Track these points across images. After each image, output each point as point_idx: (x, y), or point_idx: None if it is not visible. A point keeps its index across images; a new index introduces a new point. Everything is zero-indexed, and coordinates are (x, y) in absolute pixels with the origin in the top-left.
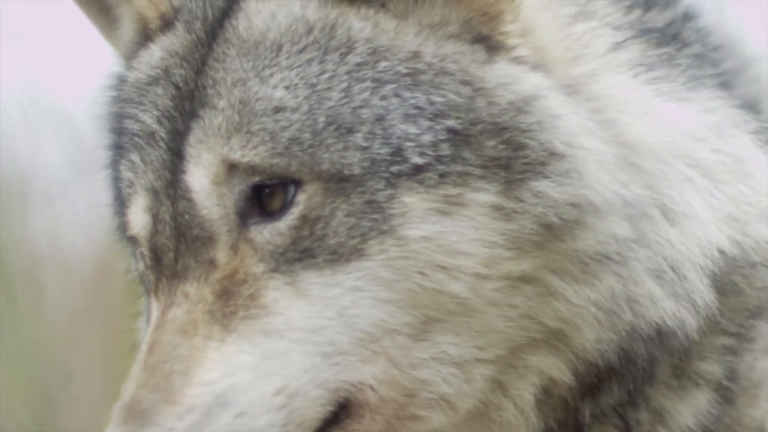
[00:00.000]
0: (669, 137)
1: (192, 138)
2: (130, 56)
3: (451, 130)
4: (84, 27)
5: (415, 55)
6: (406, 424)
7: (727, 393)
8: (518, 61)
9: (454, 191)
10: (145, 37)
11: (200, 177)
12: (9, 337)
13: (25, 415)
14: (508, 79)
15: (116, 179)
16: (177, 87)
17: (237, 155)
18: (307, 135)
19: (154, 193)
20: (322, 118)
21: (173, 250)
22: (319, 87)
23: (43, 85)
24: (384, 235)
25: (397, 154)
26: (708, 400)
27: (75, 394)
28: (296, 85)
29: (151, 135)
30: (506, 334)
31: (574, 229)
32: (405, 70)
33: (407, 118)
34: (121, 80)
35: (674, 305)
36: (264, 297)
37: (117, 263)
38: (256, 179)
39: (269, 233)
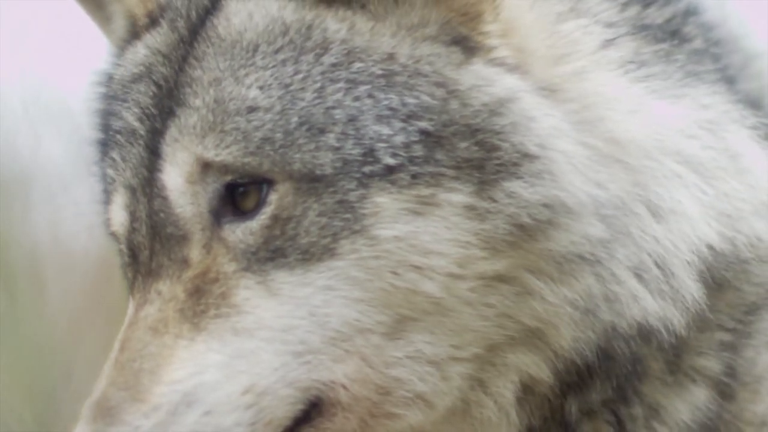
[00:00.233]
0: (658, 134)
1: (168, 136)
2: (119, 53)
3: (423, 132)
4: (86, 23)
5: (390, 57)
6: (383, 422)
7: (725, 389)
8: (495, 62)
9: (426, 191)
10: (134, 34)
11: (175, 175)
12: (10, 333)
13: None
14: (482, 81)
15: (101, 176)
16: (158, 85)
17: (211, 154)
18: (279, 135)
19: (132, 191)
20: (295, 119)
21: (148, 248)
22: (292, 87)
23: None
24: (356, 235)
25: (369, 154)
26: (706, 396)
27: (76, 392)
28: (270, 85)
29: (132, 133)
30: (483, 333)
31: (547, 230)
32: (379, 72)
33: (380, 119)
34: (110, 77)
35: (658, 303)
36: (235, 296)
37: (118, 260)
38: (229, 178)
39: (242, 232)
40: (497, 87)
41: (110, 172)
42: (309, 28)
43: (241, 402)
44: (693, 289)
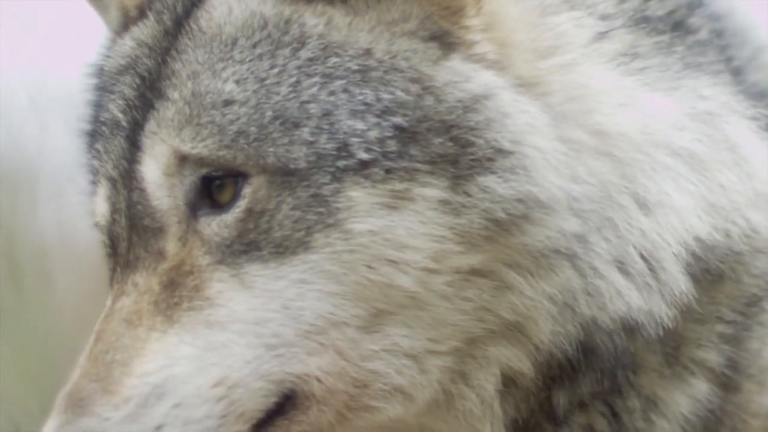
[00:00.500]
0: (648, 127)
1: (147, 129)
2: (110, 45)
3: (397, 127)
4: (91, 14)
5: (367, 52)
6: (361, 414)
7: (728, 381)
8: (474, 58)
9: (400, 186)
10: (125, 26)
11: (152, 168)
12: (17, 326)
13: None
14: (458, 77)
15: (88, 167)
16: (142, 77)
17: (187, 147)
18: (253, 129)
19: (114, 183)
20: (269, 113)
21: (127, 239)
22: (268, 81)
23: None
24: (329, 229)
25: (344, 149)
26: (706, 389)
27: None
28: (246, 79)
29: (116, 124)
30: (462, 327)
31: (522, 224)
32: (355, 67)
33: (355, 113)
34: (100, 69)
35: (643, 297)
36: (208, 289)
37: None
38: (204, 171)
39: (217, 225)
40: (473, 83)
41: (95, 163)
42: (287, 22)
43: (212, 394)
44: (681, 282)
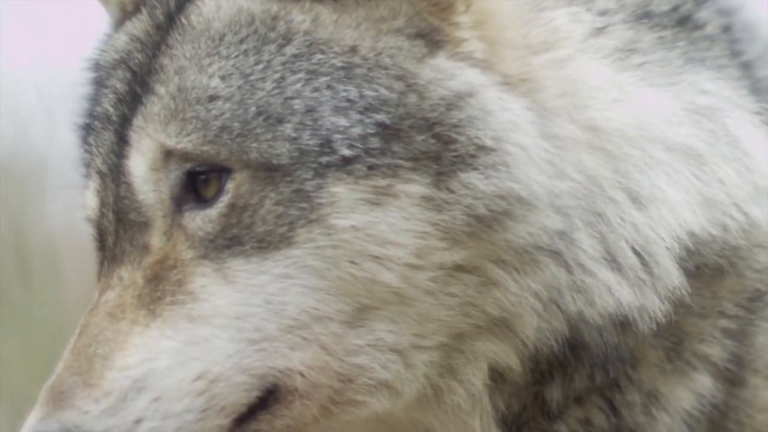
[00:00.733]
0: (642, 122)
1: (135, 123)
2: (106, 39)
3: (380, 124)
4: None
5: (352, 49)
6: (346, 409)
7: (732, 376)
8: (459, 56)
9: (383, 182)
10: (121, 20)
11: (139, 162)
12: (26, 320)
13: None
14: (442, 75)
15: (81, 161)
16: (133, 71)
17: (172, 142)
18: (236, 124)
19: (102, 177)
20: (253, 108)
21: (114, 233)
22: (252, 77)
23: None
24: (312, 224)
25: (326, 145)
26: (710, 384)
27: None
28: (231, 74)
29: (107, 118)
30: (447, 322)
31: (504, 221)
32: (340, 64)
33: (338, 110)
34: (96, 63)
35: (635, 292)
36: (191, 283)
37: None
38: (189, 166)
39: (201, 220)
40: (456, 81)
41: (86, 157)
42: (274, 18)
43: (193, 388)
44: (674, 276)
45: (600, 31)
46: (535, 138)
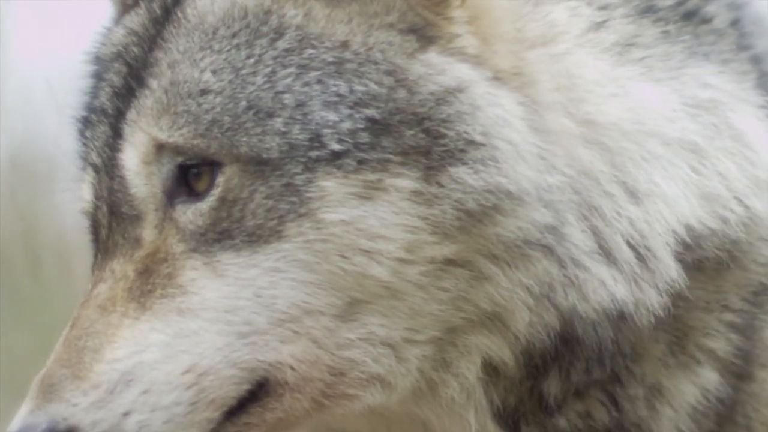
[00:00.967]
0: (639, 117)
1: (128, 117)
2: (106, 32)
3: (370, 119)
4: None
5: (343, 44)
6: (339, 402)
7: (738, 370)
8: (451, 51)
9: (373, 177)
10: (121, 14)
11: (132, 156)
12: (37, 315)
13: None
14: (432, 70)
15: (78, 153)
16: (129, 65)
17: (164, 136)
18: (227, 118)
19: (97, 170)
20: (243, 102)
21: (107, 226)
22: (243, 71)
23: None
24: (302, 218)
25: (316, 139)
26: (715, 378)
27: None
28: (223, 68)
29: (103, 112)
30: (439, 317)
31: (493, 215)
32: (331, 59)
33: (328, 105)
34: (96, 57)
35: (630, 287)
36: (181, 276)
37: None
38: (180, 159)
39: (192, 213)
40: (446, 76)
41: (82, 149)
42: (267, 13)
43: (181, 381)
44: (672, 270)
45: (600, 25)
46: (525, 133)
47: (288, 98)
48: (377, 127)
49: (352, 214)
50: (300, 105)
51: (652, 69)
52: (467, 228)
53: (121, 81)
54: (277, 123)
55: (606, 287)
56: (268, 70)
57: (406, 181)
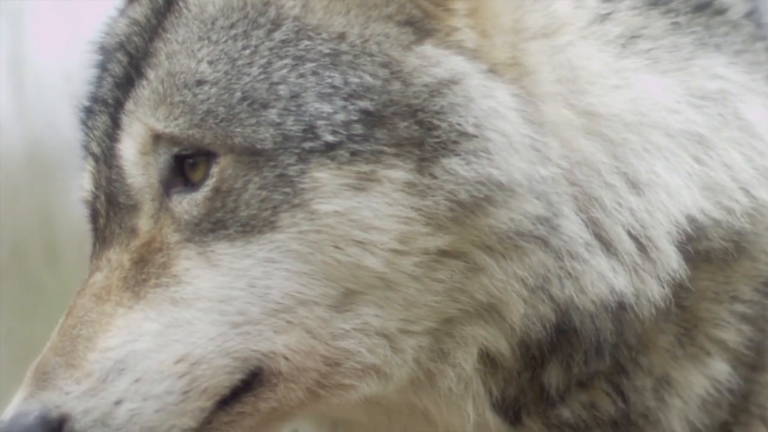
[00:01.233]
0: (642, 108)
1: (126, 107)
2: (111, 22)
3: (364, 111)
4: None
5: (340, 36)
6: (335, 392)
7: (750, 361)
8: (447, 44)
9: (366, 168)
10: (128, 3)
11: (129, 146)
12: (55, 305)
13: None
14: (427, 62)
15: (80, 143)
16: (131, 55)
17: (161, 126)
18: (222, 109)
19: (96, 160)
20: (238, 93)
21: (105, 216)
22: (239, 62)
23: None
24: (295, 209)
25: (310, 131)
26: (726, 369)
27: None
28: (219, 59)
29: (103, 102)
30: (435, 308)
31: (485, 206)
32: (327, 50)
33: (322, 96)
34: (101, 46)
35: (630, 278)
36: (175, 266)
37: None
38: (176, 150)
39: (187, 203)
40: (440, 68)
41: (84, 139)
42: (266, 4)
43: (174, 370)
44: (673, 260)
45: (604, 17)
46: (518, 125)
47: (283, 89)
48: (371, 119)
49: (345, 205)
50: (294, 96)
51: (659, 61)
52: (460, 219)
53: (122, 71)
54: (272, 114)
55: (605, 279)
56: (263, 61)
57: (399, 173)
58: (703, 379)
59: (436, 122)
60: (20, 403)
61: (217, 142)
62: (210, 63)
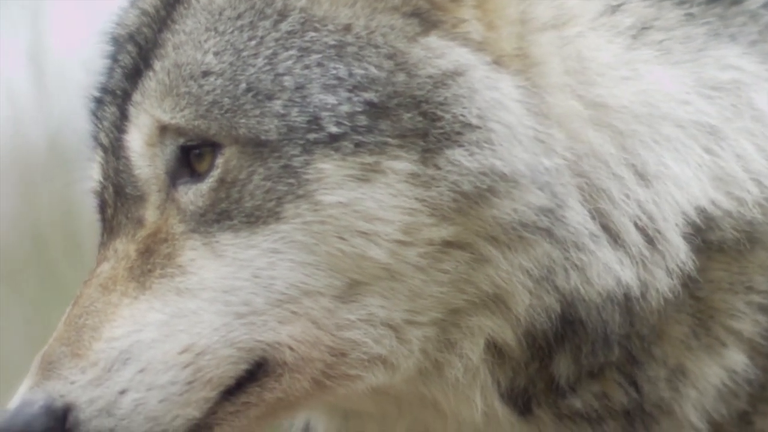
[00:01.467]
0: (651, 100)
1: (133, 98)
2: (122, 13)
3: (368, 103)
4: None
5: (346, 28)
6: (341, 383)
7: (766, 350)
8: (452, 36)
9: (370, 159)
10: None
11: (136, 137)
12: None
13: None
14: (431, 53)
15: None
16: (139, 46)
17: (167, 117)
18: (227, 100)
19: (105, 150)
20: (243, 84)
21: (112, 206)
22: (245, 53)
23: None
24: (300, 200)
25: (314, 122)
26: (743, 359)
27: None
28: (225, 50)
29: (113, 93)
30: (440, 298)
31: (488, 197)
32: (332, 42)
33: (327, 88)
34: (112, 37)
35: (637, 269)
36: (180, 256)
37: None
38: (182, 141)
39: (193, 194)
40: (445, 60)
41: (93, 129)
42: None
43: (178, 361)
44: (681, 252)
45: (615, 9)
46: (521, 116)
47: (288, 81)
48: (375, 111)
49: (349, 196)
50: (299, 87)
51: (671, 52)
52: (464, 210)
53: (131, 62)
54: (276, 105)
55: (611, 270)
56: (269, 52)
57: (403, 164)
58: (719, 369)
59: (439, 113)
60: (26, 393)
61: (222, 133)
62: (216, 54)
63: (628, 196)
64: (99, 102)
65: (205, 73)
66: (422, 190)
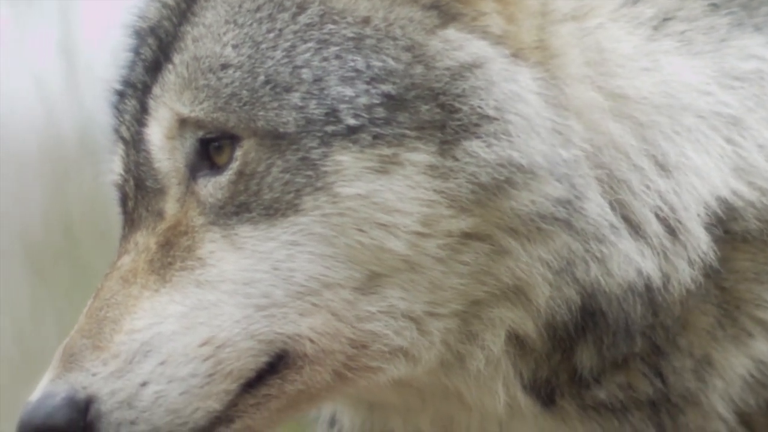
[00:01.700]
0: (671, 90)
1: (153, 92)
2: (144, 6)
3: (386, 95)
4: None
5: (365, 20)
6: (362, 375)
7: None
8: (471, 28)
9: (388, 151)
10: None
11: (156, 130)
12: None
13: None
14: (449, 45)
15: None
16: (159, 39)
17: (186, 110)
18: (245, 92)
19: (126, 144)
20: (262, 77)
21: (133, 199)
22: (263, 45)
23: None
24: (318, 192)
25: (332, 114)
26: None
27: None
28: (244, 43)
29: (133, 86)
30: (461, 290)
31: (507, 189)
32: (351, 34)
33: (345, 80)
34: (134, 30)
35: (658, 260)
36: (200, 249)
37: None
38: (201, 133)
39: (212, 187)
40: (463, 52)
41: (114, 122)
42: None
43: (199, 353)
44: (702, 242)
45: (636, 0)
46: (539, 108)
47: (306, 73)
48: (393, 103)
49: (368, 188)
50: (317, 80)
51: (692, 42)
52: (482, 201)
53: (152, 55)
54: (294, 97)
55: (632, 261)
56: (287, 44)
57: (421, 156)
58: (745, 359)
59: (457, 105)
60: (47, 384)
61: (240, 126)
62: (234, 47)
63: (648, 187)
64: (120, 95)
65: (224, 66)
66: (440, 182)
